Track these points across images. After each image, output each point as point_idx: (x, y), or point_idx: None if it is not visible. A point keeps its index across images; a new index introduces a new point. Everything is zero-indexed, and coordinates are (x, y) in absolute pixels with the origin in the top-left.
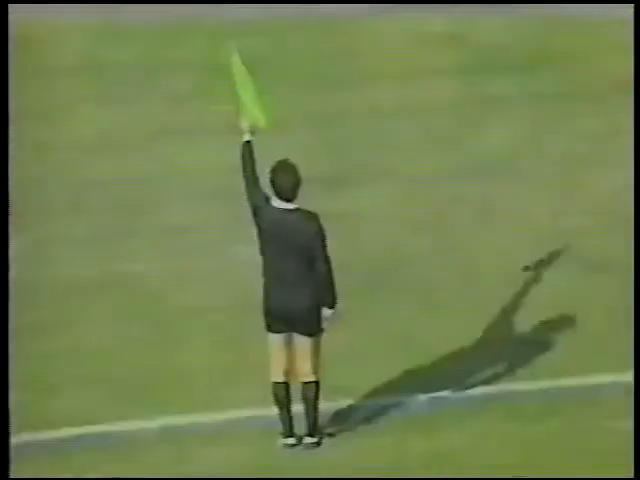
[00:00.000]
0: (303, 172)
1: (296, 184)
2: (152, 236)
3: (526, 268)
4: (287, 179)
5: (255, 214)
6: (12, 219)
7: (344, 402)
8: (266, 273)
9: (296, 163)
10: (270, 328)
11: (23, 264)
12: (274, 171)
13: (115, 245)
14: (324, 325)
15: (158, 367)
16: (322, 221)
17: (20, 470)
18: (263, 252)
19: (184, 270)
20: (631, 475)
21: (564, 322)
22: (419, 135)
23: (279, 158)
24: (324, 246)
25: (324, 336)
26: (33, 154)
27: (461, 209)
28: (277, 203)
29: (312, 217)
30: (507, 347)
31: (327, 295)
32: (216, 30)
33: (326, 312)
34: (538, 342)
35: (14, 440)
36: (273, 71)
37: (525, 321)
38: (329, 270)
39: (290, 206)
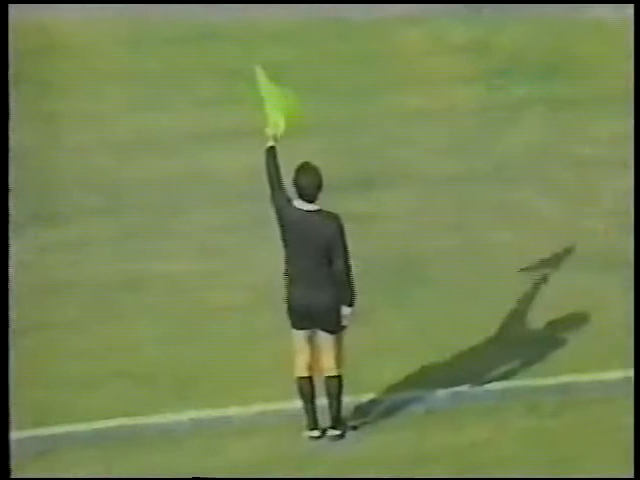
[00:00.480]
0: (327, 175)
1: (318, 185)
2: (179, 236)
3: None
4: (309, 180)
5: (278, 215)
6: (47, 219)
7: (366, 396)
8: (289, 272)
9: (320, 166)
10: (294, 325)
11: (54, 263)
12: (297, 172)
13: (143, 245)
14: (344, 322)
15: (188, 363)
16: (345, 222)
17: (50, 460)
18: (286, 252)
19: (212, 269)
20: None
21: (579, 320)
22: (440, 139)
23: (302, 161)
24: (345, 246)
25: (347, 332)
26: (70, 156)
27: (480, 211)
28: (299, 204)
29: (333, 218)
30: (524, 344)
31: (346, 293)
32: (242, 35)
33: (345, 310)
34: (554, 339)
35: (48, 432)
36: (296, 76)
37: (541, 318)
38: (348, 269)
39: (312, 207)
